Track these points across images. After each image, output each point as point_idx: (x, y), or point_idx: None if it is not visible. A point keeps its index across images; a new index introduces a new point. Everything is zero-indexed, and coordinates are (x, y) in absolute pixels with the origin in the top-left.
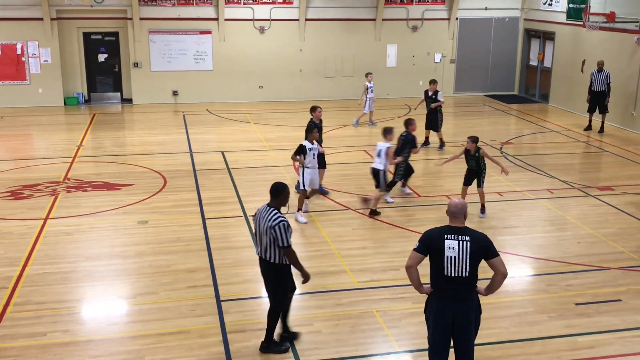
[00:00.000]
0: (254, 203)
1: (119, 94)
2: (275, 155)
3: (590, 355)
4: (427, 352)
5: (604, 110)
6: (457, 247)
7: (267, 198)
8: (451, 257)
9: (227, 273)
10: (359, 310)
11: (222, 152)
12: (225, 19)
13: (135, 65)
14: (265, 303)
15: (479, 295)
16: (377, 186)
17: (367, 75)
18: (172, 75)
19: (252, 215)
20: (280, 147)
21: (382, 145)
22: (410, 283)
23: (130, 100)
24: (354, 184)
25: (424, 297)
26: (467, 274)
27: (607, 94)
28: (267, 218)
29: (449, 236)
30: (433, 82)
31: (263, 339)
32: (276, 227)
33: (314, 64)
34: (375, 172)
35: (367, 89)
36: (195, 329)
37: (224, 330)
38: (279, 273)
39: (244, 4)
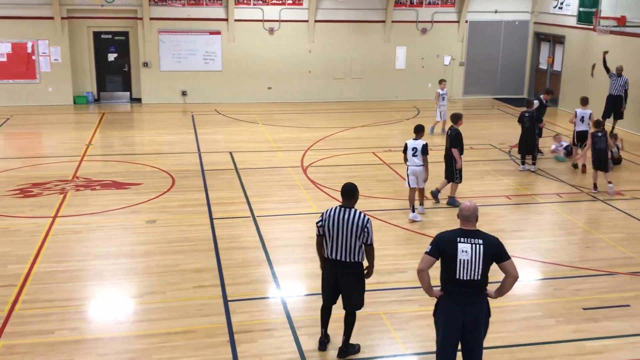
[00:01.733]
0: (262, 204)
1: (128, 93)
2: (283, 156)
3: None
4: (434, 355)
5: (619, 116)
6: (470, 250)
7: (275, 198)
8: (464, 260)
9: (234, 273)
10: (366, 313)
11: (231, 153)
12: (235, 20)
13: (145, 65)
14: (273, 304)
15: (488, 299)
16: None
17: (440, 82)
18: (181, 75)
19: (320, 221)
20: (288, 148)
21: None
22: (419, 286)
23: (139, 100)
24: (362, 186)
25: (432, 299)
26: (479, 277)
27: (624, 100)
28: (351, 219)
29: (462, 239)
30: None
31: (341, 345)
32: (368, 225)
33: (323, 66)
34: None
35: (439, 96)
36: (202, 328)
37: (230, 331)
38: (360, 272)
39: (254, 4)
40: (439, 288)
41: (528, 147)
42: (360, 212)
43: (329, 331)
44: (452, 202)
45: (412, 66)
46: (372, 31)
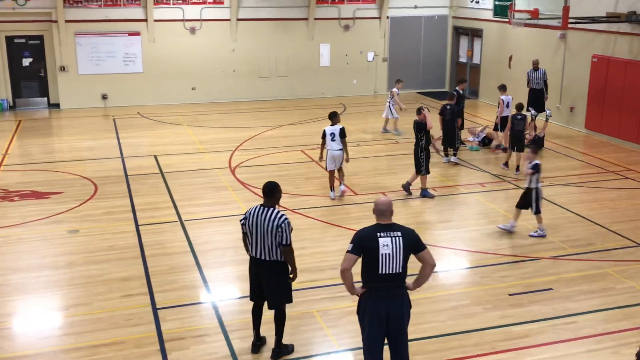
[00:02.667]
0: (189, 207)
1: (45, 99)
2: (210, 158)
3: (524, 344)
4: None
5: (541, 109)
6: (390, 244)
7: (203, 201)
8: (386, 254)
9: (163, 280)
10: (298, 312)
11: (155, 156)
12: (155, 20)
13: (62, 69)
14: (204, 309)
15: (408, 291)
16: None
17: (397, 81)
18: (100, 78)
19: (243, 219)
20: (215, 149)
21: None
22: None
23: (57, 105)
24: (291, 184)
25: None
26: (401, 270)
27: (545, 92)
28: (269, 218)
29: (382, 234)
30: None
31: (274, 346)
32: (283, 225)
33: (248, 64)
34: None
35: (397, 95)
36: (131, 339)
37: (161, 339)
38: (283, 270)
39: (174, 4)
40: (361, 285)
41: (449, 139)
42: (278, 212)
43: (263, 333)
44: (425, 193)
45: (336, 63)
46: (295, 29)
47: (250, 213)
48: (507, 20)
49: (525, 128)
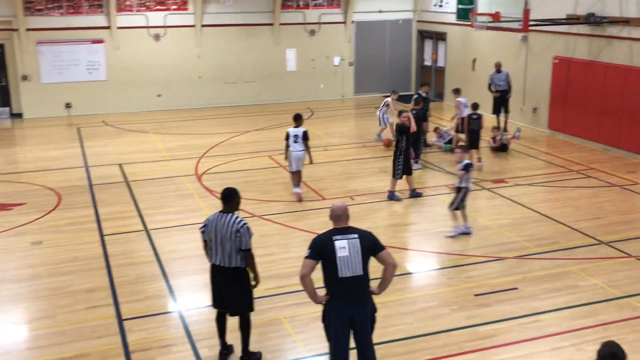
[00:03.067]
0: (155, 216)
1: (7, 108)
2: (176, 165)
3: (490, 344)
4: None
5: (506, 110)
6: (347, 245)
7: (169, 209)
8: (344, 257)
9: (128, 290)
10: (266, 318)
11: (120, 165)
12: (118, 27)
13: (24, 78)
14: (170, 318)
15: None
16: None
17: (393, 93)
18: (64, 87)
19: (203, 227)
20: (181, 156)
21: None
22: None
23: (20, 115)
24: (259, 189)
25: None
26: (362, 272)
27: (508, 93)
28: (228, 223)
29: (338, 237)
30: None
31: (241, 354)
32: (242, 230)
33: (214, 70)
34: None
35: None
36: (96, 351)
37: (126, 351)
38: (244, 277)
39: (137, 11)
40: (324, 293)
41: (415, 144)
42: (236, 217)
43: (231, 341)
44: (392, 196)
45: (303, 68)
46: (261, 34)
47: (209, 220)
48: (469, 23)
49: (480, 127)
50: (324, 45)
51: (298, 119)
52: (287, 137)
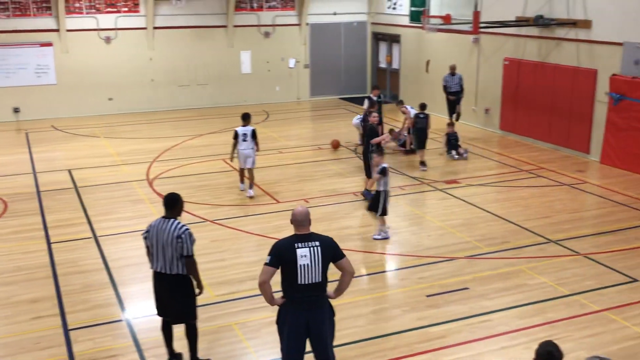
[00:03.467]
0: (104, 222)
1: None
2: (127, 170)
3: (441, 345)
4: None
5: (457, 116)
6: (309, 254)
7: (119, 215)
8: (304, 265)
9: (75, 300)
10: (217, 325)
11: (69, 171)
12: (67, 30)
13: None
14: (118, 327)
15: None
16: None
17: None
18: (11, 91)
19: (145, 233)
20: (132, 161)
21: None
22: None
23: None
24: (212, 194)
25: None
26: (320, 279)
27: (461, 93)
28: (169, 229)
29: (300, 244)
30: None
31: None
32: (183, 236)
33: (166, 73)
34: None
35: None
36: None
37: None
38: (186, 284)
39: (87, 13)
40: (281, 296)
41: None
42: (178, 223)
43: (180, 349)
44: (366, 194)
45: (258, 70)
46: (214, 36)
47: (152, 226)
48: (422, 26)
49: (428, 126)
50: (279, 47)
51: (246, 118)
52: (236, 135)
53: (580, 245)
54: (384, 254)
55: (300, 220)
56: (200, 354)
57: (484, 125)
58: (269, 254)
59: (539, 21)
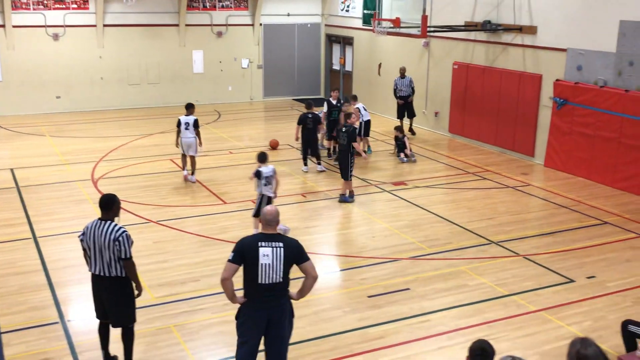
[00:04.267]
0: (45, 223)
1: None
2: (72, 170)
3: (379, 345)
4: None
5: (412, 115)
6: (271, 254)
7: (60, 216)
8: (266, 264)
9: (9, 302)
10: (155, 328)
11: (12, 170)
12: (14, 26)
13: None
14: (53, 330)
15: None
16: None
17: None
18: None
19: (81, 235)
20: (78, 160)
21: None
22: (211, 293)
23: None
24: (157, 194)
25: (224, 306)
26: (281, 280)
27: (410, 97)
28: (106, 232)
29: (264, 244)
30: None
31: None
32: (120, 239)
33: (116, 72)
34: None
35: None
36: None
37: None
38: (126, 286)
39: (34, 9)
40: (242, 294)
41: (311, 147)
42: (115, 225)
43: (115, 352)
44: (345, 199)
45: (210, 70)
46: (166, 35)
47: (88, 228)
48: (372, 28)
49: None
50: (232, 47)
51: (189, 108)
52: (179, 124)
53: (520, 247)
54: (329, 255)
55: (269, 219)
56: (136, 357)
57: (433, 128)
58: (233, 251)
59: (487, 26)
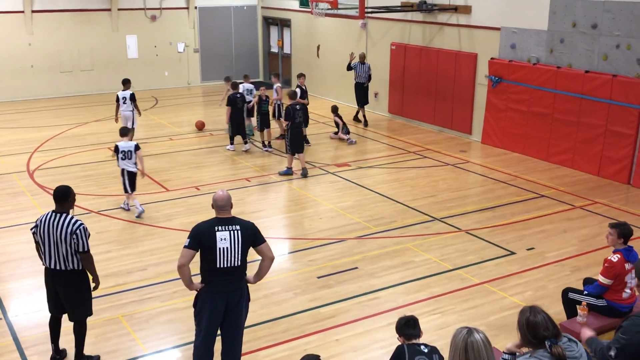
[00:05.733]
0: None
1: None
2: (5, 162)
3: (331, 325)
4: (176, 349)
5: (366, 102)
6: (228, 237)
7: None
8: (224, 248)
9: None
10: (103, 319)
11: None
12: None
13: None
14: None
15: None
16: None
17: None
18: None
19: (34, 228)
20: (11, 151)
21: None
22: (160, 282)
23: None
24: (97, 184)
25: (173, 294)
26: (239, 263)
27: (368, 82)
28: (62, 225)
29: (220, 228)
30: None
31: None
32: (78, 232)
33: (47, 59)
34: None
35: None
36: None
37: None
38: (83, 280)
39: None
40: (200, 280)
41: (239, 127)
42: (71, 217)
43: (64, 345)
44: (285, 172)
45: (145, 55)
46: (98, 20)
47: (41, 220)
48: (310, 10)
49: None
50: (167, 31)
51: (126, 83)
52: (117, 99)
53: (462, 222)
54: (277, 238)
55: (222, 205)
56: (86, 349)
57: (373, 109)
58: (188, 237)
59: (423, 7)
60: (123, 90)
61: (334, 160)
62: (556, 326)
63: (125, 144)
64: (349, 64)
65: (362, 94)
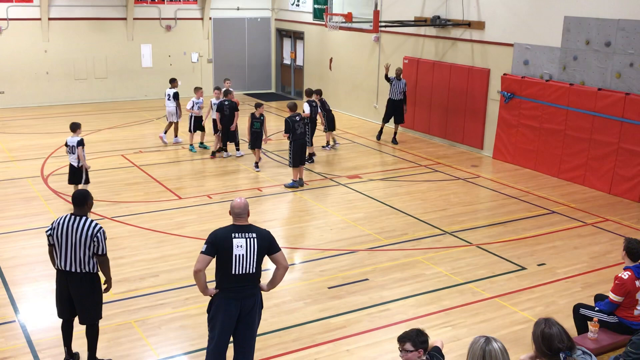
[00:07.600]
0: None
1: None
2: (20, 167)
3: (341, 335)
4: (187, 356)
5: (400, 121)
6: (244, 244)
7: (11, 213)
8: (239, 255)
9: None
10: (115, 324)
11: None
12: None
13: None
14: (11, 329)
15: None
16: None
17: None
18: None
19: (50, 230)
20: (25, 157)
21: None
22: (171, 288)
23: None
24: (110, 190)
25: (185, 301)
26: (254, 270)
27: (404, 103)
28: (82, 228)
29: (237, 235)
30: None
31: None
32: (98, 235)
33: (63, 66)
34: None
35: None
36: None
37: None
38: (96, 283)
39: None
40: (214, 286)
41: (229, 134)
42: (91, 221)
43: (77, 348)
44: (292, 184)
45: (159, 64)
46: (114, 29)
47: (58, 223)
48: (324, 23)
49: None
50: (181, 41)
51: (173, 82)
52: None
53: (473, 236)
54: (288, 248)
55: (239, 212)
56: (99, 353)
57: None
58: (205, 242)
59: (436, 22)
60: (170, 88)
61: (345, 172)
62: (571, 339)
63: (70, 139)
64: (386, 75)
65: (394, 111)
